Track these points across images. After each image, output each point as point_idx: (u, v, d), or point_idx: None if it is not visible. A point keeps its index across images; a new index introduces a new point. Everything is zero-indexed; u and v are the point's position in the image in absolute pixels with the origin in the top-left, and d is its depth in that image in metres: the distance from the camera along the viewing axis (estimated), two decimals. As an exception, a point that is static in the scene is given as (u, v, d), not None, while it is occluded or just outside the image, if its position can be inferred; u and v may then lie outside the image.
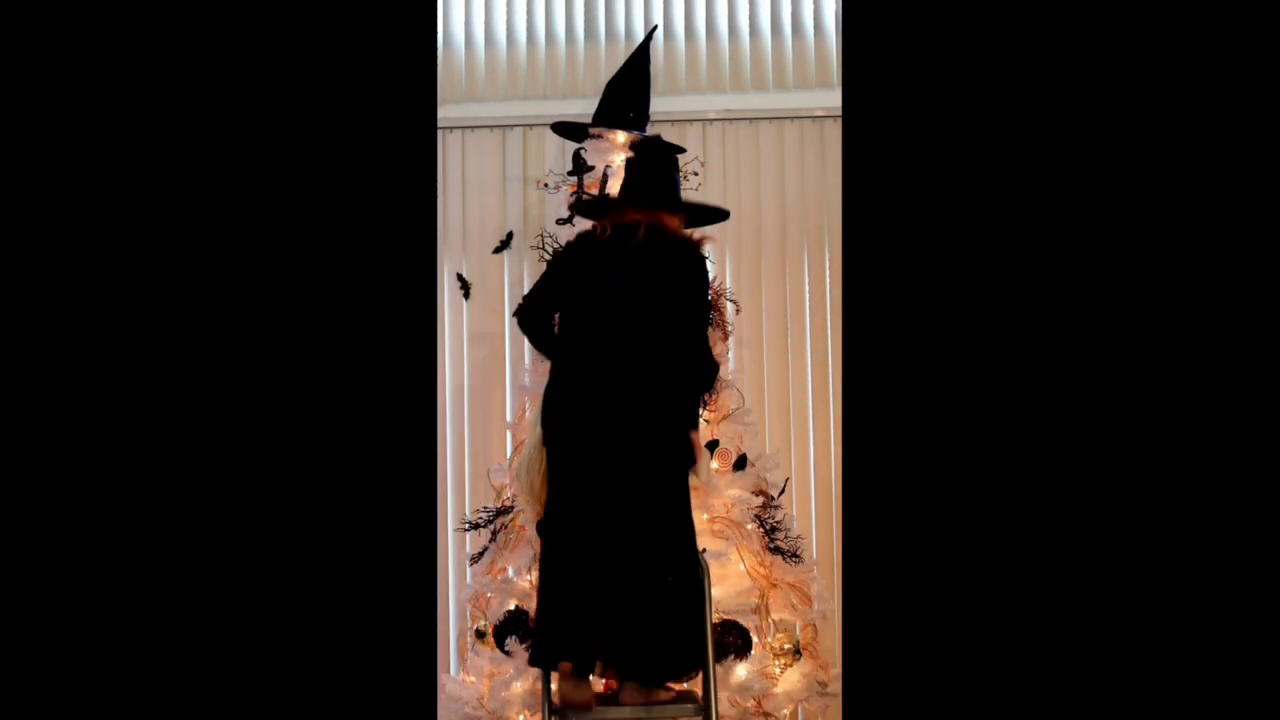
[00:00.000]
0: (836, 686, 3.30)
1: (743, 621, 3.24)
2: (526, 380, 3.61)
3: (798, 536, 3.46)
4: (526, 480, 3.39)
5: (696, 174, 3.67)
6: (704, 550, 3.24)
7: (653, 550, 2.81)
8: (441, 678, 3.50)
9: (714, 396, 3.47)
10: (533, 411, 3.50)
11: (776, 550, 3.38)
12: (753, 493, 3.41)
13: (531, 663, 2.92)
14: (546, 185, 3.72)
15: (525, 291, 3.99)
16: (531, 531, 3.36)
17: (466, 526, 3.60)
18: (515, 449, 3.64)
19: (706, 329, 2.96)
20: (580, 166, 3.61)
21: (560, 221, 3.62)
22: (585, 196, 3.56)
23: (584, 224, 3.53)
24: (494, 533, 3.46)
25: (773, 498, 3.45)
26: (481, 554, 3.49)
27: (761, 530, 3.38)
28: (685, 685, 2.96)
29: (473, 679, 3.40)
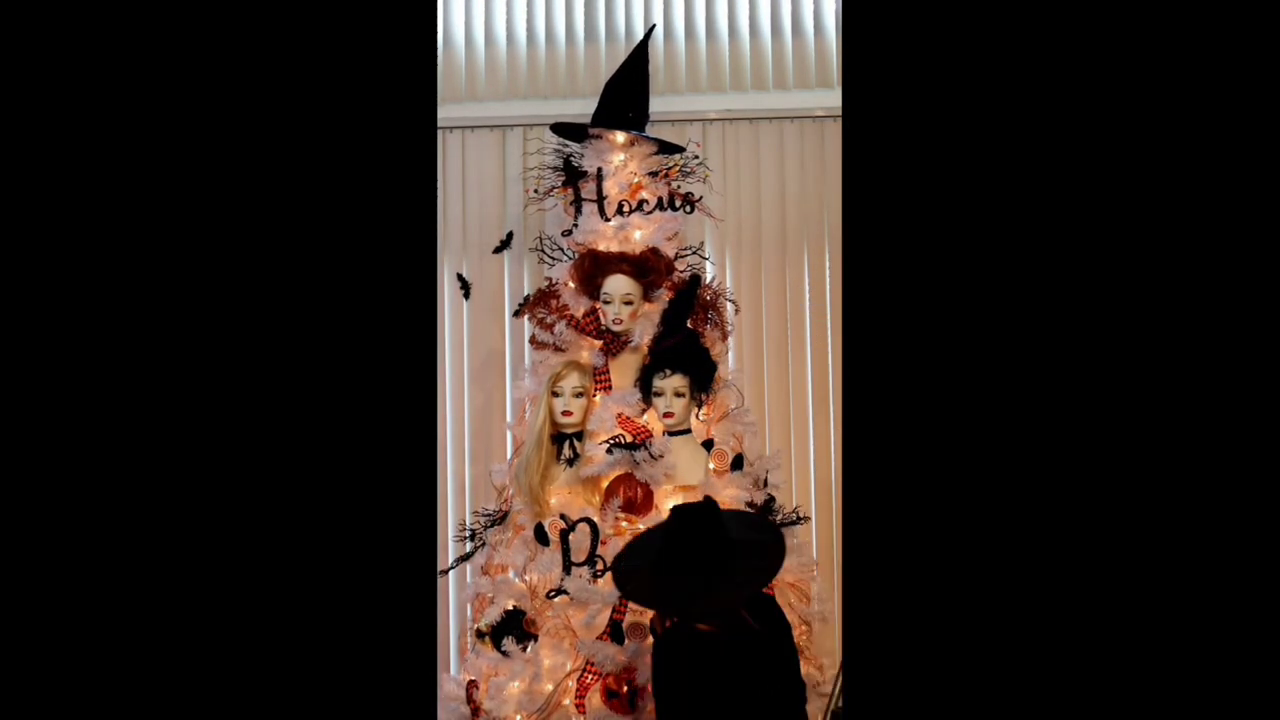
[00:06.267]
0: (828, 688, 3.30)
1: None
2: (526, 381, 3.61)
3: (794, 511, 3.47)
4: (526, 480, 3.40)
5: (693, 172, 3.67)
6: None
7: None
8: (441, 677, 3.50)
9: (712, 396, 3.48)
10: (532, 412, 3.51)
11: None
12: (752, 491, 3.42)
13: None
14: (537, 191, 3.71)
15: (526, 292, 4.02)
16: (529, 531, 3.37)
17: (466, 535, 3.59)
18: (515, 449, 3.64)
19: None
20: (573, 171, 3.61)
21: (565, 233, 3.62)
22: (583, 200, 3.56)
23: (584, 231, 3.55)
24: (482, 542, 3.47)
25: (772, 498, 3.45)
26: (466, 558, 3.53)
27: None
28: None
29: (472, 678, 3.41)
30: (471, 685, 3.39)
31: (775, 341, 4.15)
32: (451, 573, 3.85)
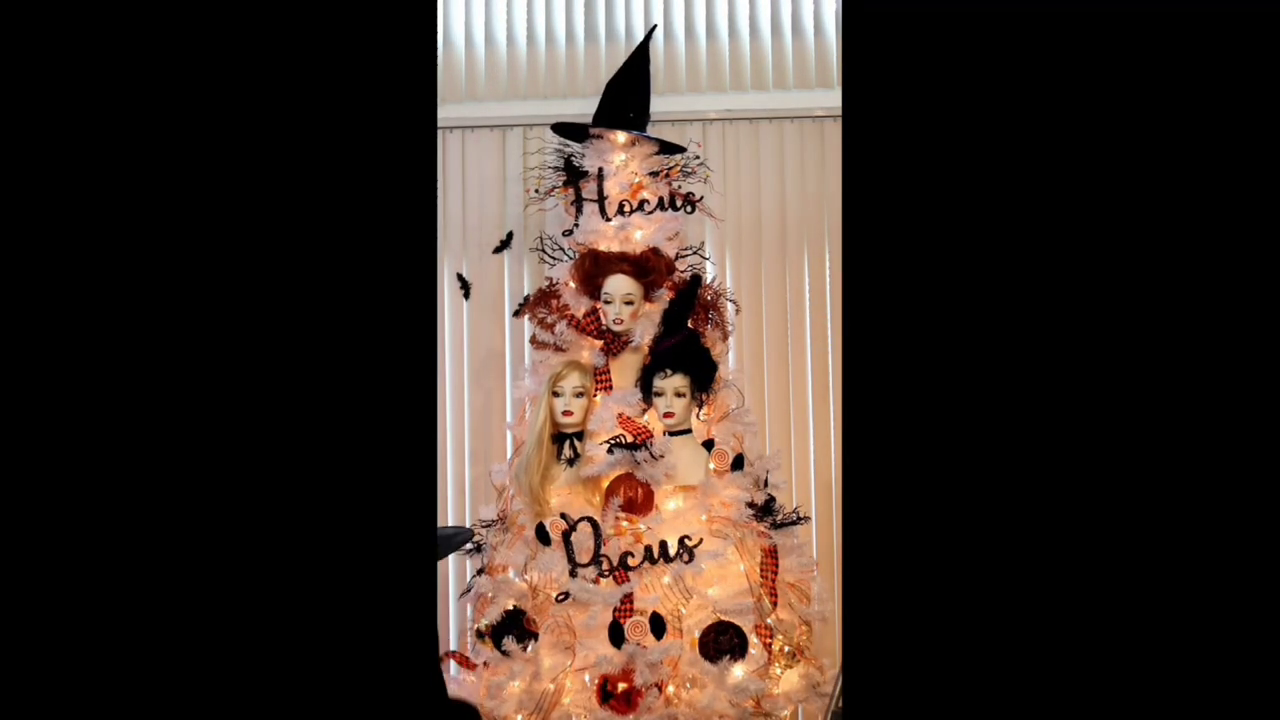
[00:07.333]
0: (828, 688, 3.31)
1: (739, 622, 3.24)
2: (526, 380, 3.61)
3: (794, 511, 3.46)
4: (526, 480, 3.40)
5: (694, 172, 3.67)
6: (699, 543, 3.26)
7: None
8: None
9: (713, 396, 3.48)
10: (532, 412, 3.51)
11: (777, 525, 3.38)
12: (752, 491, 3.42)
13: None
14: (537, 191, 3.71)
15: (526, 292, 4.03)
16: (530, 531, 3.37)
17: (470, 549, 3.56)
18: (515, 449, 3.64)
19: None
20: (574, 171, 3.61)
21: (566, 233, 3.62)
22: (584, 200, 3.57)
23: (585, 230, 3.55)
24: (479, 545, 3.49)
25: (772, 498, 3.45)
26: (468, 554, 3.54)
27: (759, 525, 3.37)
28: None
29: (472, 678, 3.41)
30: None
31: (775, 341, 4.16)
32: (451, 573, 3.85)
